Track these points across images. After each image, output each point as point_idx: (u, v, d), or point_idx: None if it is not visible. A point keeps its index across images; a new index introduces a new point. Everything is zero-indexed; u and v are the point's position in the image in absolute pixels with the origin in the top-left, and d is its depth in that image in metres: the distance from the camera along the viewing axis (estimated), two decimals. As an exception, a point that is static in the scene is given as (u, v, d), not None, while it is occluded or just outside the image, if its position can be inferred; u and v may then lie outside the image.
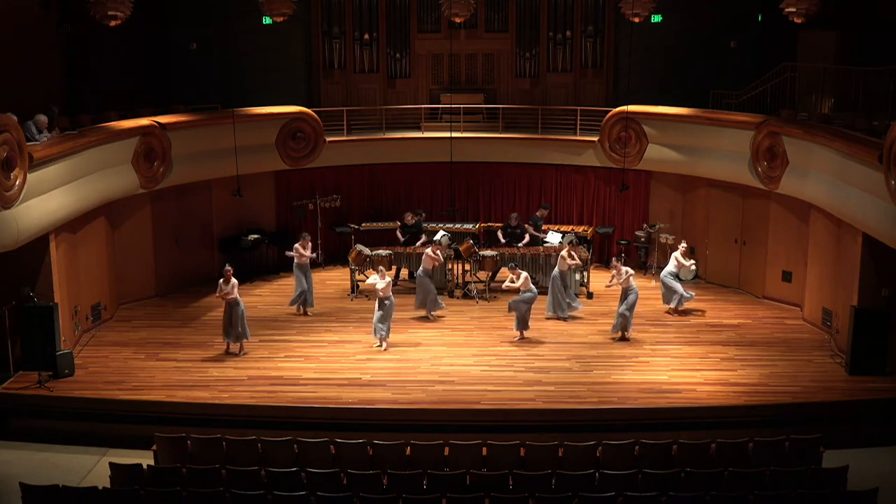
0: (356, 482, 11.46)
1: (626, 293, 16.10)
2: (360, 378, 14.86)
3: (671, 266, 17.41)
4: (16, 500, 11.32)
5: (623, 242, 19.93)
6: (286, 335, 16.58)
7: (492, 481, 11.52)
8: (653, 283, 18.59)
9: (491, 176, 20.55)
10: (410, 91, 20.81)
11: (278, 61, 20.01)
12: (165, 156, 17.29)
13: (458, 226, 19.69)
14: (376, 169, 20.49)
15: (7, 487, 12.22)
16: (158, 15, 19.07)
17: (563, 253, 17.17)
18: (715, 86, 18.81)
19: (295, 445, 12.32)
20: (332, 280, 19.56)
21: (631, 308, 16.09)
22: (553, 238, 18.86)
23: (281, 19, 16.82)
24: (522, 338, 16.23)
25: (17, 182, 13.59)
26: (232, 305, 15.44)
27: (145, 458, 12.41)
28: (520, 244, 18.84)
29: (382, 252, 18.33)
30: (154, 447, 12.69)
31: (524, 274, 16.23)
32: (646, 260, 19.61)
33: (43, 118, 14.80)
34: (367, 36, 20.53)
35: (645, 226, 19.62)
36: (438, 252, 17.32)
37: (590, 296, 18.43)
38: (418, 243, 18.80)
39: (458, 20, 17.41)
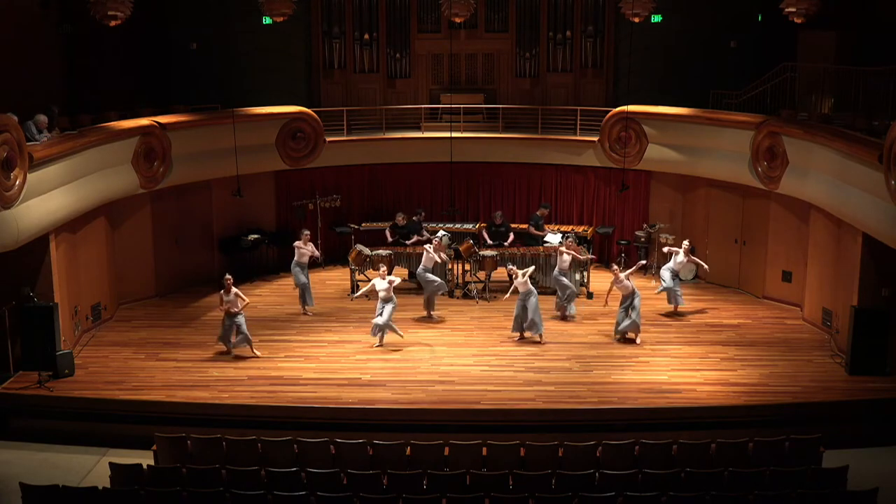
0: (356, 482, 11.46)
1: (632, 297, 16.02)
2: (360, 378, 14.86)
3: (671, 264, 17.31)
4: (16, 500, 11.32)
5: (623, 242, 19.93)
6: (286, 335, 16.58)
7: (492, 481, 11.52)
8: (653, 283, 18.59)
9: (491, 176, 20.55)
10: (410, 91, 20.81)
11: (278, 61, 20.01)
12: (165, 156, 17.29)
13: (458, 226, 19.70)
14: (376, 169, 20.50)
15: (7, 487, 12.22)
16: (158, 15, 19.07)
17: (562, 248, 17.13)
18: (715, 86, 18.81)
19: (295, 445, 12.32)
20: (332, 280, 19.56)
21: (638, 311, 16.12)
22: (553, 238, 18.86)
23: (281, 19, 16.82)
24: (521, 338, 16.21)
25: (17, 182, 13.59)
26: (232, 316, 15.41)
27: (145, 458, 12.41)
28: (505, 242, 18.85)
29: (382, 252, 18.33)
30: (154, 447, 12.69)
31: (529, 270, 16.18)
32: (646, 260, 19.59)
33: (43, 118, 14.80)
34: (367, 36, 20.53)
35: (645, 226, 19.62)
36: (442, 254, 17.27)
37: (590, 296, 18.42)
38: (409, 242, 18.78)
39: (458, 20, 17.41)
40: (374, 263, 18.27)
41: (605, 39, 20.37)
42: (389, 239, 19.02)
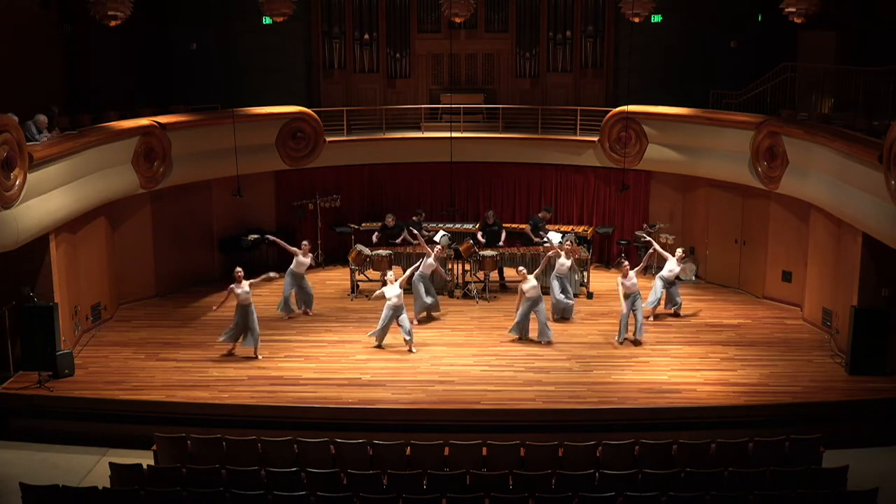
0: (356, 482, 11.46)
1: (635, 297, 15.98)
2: (360, 378, 14.86)
3: (664, 272, 17.20)
4: (16, 500, 11.32)
5: (623, 242, 19.93)
6: (286, 335, 16.58)
7: (492, 481, 11.52)
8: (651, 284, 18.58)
9: (491, 176, 20.55)
10: (410, 91, 20.81)
11: (278, 61, 20.01)
12: (165, 156, 17.28)
13: (458, 226, 19.69)
14: (376, 169, 20.50)
15: (7, 487, 12.22)
16: (158, 15, 19.08)
17: (560, 252, 17.06)
18: (715, 86, 18.81)
19: (295, 445, 12.32)
20: (332, 280, 19.56)
21: (641, 311, 16.12)
22: (554, 237, 18.84)
23: (281, 19, 16.83)
24: (520, 339, 16.17)
25: (17, 182, 13.59)
26: (246, 308, 15.39)
27: (145, 458, 12.41)
28: (499, 242, 18.84)
29: (382, 252, 18.33)
30: (154, 447, 12.69)
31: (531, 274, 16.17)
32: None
33: (43, 118, 14.80)
34: (367, 36, 20.53)
35: (645, 226, 19.62)
36: (437, 264, 17.16)
37: (590, 296, 18.43)
38: (397, 241, 18.74)
39: (458, 20, 17.41)
40: (374, 263, 18.28)
41: (605, 39, 20.37)
42: (375, 241, 18.87)
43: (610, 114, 19.24)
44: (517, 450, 12.30)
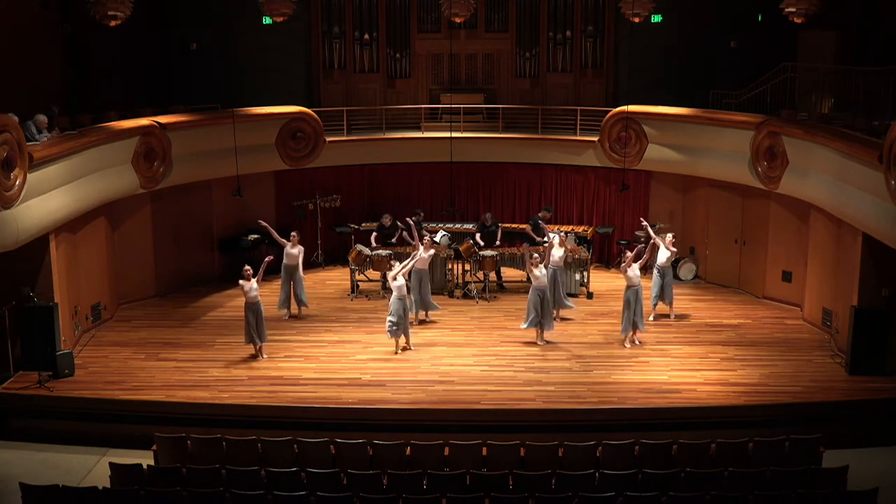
0: (356, 482, 11.46)
1: (637, 293, 15.93)
2: (360, 378, 14.86)
3: (662, 258, 17.12)
4: (16, 500, 11.32)
5: (623, 242, 19.92)
6: (286, 335, 16.57)
7: (492, 481, 11.52)
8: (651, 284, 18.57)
9: (491, 176, 20.56)
10: (410, 91, 20.81)
11: (278, 61, 20.00)
12: (165, 156, 17.28)
13: (458, 226, 19.70)
14: (376, 169, 20.50)
15: (7, 487, 12.22)
16: (158, 15, 19.06)
17: (554, 242, 16.93)
18: (715, 86, 18.81)
19: (295, 445, 12.32)
20: (332, 280, 19.57)
21: (642, 307, 16.09)
22: (554, 238, 18.84)
23: (281, 19, 16.83)
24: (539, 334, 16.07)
25: (17, 182, 13.59)
26: (255, 306, 15.38)
27: (145, 458, 12.41)
28: (496, 242, 18.83)
29: (382, 252, 18.33)
30: (154, 447, 12.69)
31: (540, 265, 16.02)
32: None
33: (43, 118, 14.80)
34: (367, 36, 20.53)
35: (645, 224, 19.58)
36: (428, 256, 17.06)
37: (590, 296, 18.43)
38: (392, 241, 18.70)
39: (458, 20, 17.42)
40: (374, 263, 18.28)
41: (605, 39, 20.37)
42: (374, 244, 18.79)
43: (610, 114, 19.24)
44: (517, 450, 12.30)
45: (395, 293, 15.55)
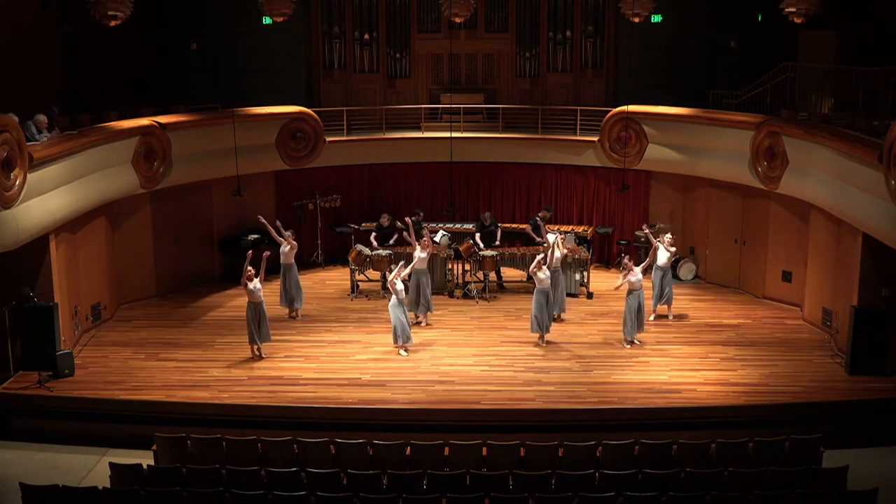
0: (356, 482, 11.46)
1: (639, 297, 15.92)
2: (360, 378, 14.86)
3: (662, 259, 17.11)
4: (16, 500, 11.32)
5: (623, 242, 19.93)
6: (286, 335, 16.57)
7: (492, 481, 11.52)
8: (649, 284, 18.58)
9: (491, 176, 20.56)
10: (410, 91, 20.80)
11: (278, 61, 20.00)
12: (165, 156, 17.29)
13: (458, 226, 19.70)
14: (376, 169, 20.50)
15: (7, 487, 12.22)
16: (158, 15, 19.07)
17: (556, 243, 16.81)
18: (715, 86, 18.81)
19: (295, 445, 12.32)
20: (332, 280, 19.57)
21: (643, 310, 16.10)
22: (553, 238, 18.82)
23: (281, 19, 16.83)
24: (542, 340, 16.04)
25: (17, 182, 13.59)
26: (258, 306, 15.36)
27: (145, 458, 12.41)
28: (495, 242, 18.83)
29: (382, 252, 18.33)
30: (154, 447, 12.69)
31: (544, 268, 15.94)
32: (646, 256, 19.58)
33: (43, 118, 14.80)
34: (367, 36, 20.53)
35: (645, 225, 19.60)
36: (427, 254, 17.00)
37: (590, 296, 18.43)
38: (391, 242, 18.67)
39: (458, 20, 17.41)
40: (374, 263, 18.28)
41: (605, 39, 20.36)
42: (374, 244, 18.73)
43: (610, 114, 19.24)
44: (517, 450, 12.30)
45: (393, 297, 15.55)
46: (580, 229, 19.79)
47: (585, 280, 18.57)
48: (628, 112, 18.64)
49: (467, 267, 18.56)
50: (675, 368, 15.20)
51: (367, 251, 18.39)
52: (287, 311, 17.39)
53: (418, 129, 20.29)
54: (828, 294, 16.42)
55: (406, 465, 12.12)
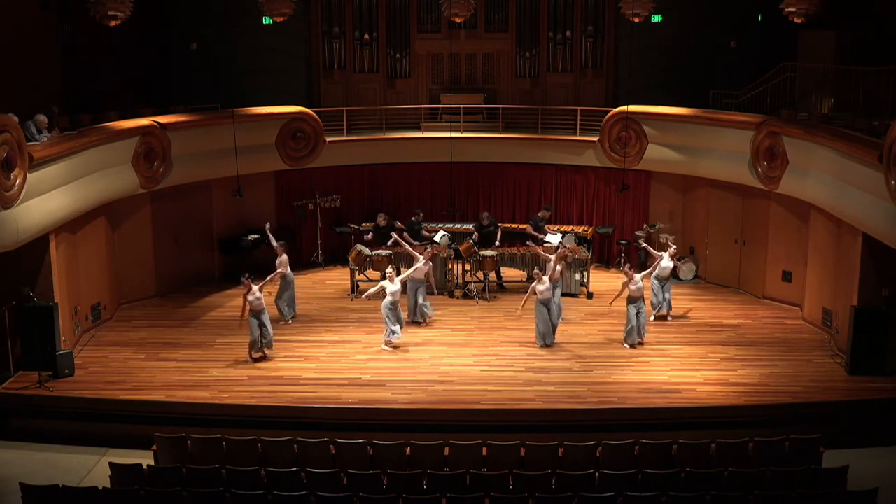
0: (356, 482, 11.46)
1: (640, 299, 15.93)
2: (360, 378, 14.87)
3: (657, 271, 17.08)
4: (16, 500, 11.33)
5: (623, 242, 19.92)
6: (286, 335, 16.57)
7: (492, 481, 11.52)
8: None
9: (491, 176, 20.55)
10: (410, 91, 20.81)
11: (278, 61, 20.00)
12: (165, 156, 17.29)
13: (458, 226, 19.69)
14: (376, 169, 20.50)
15: (7, 487, 12.22)
16: (158, 15, 19.07)
17: (551, 257, 16.58)
18: (715, 86, 18.81)
19: (295, 445, 12.32)
20: (332, 280, 19.57)
21: (644, 314, 16.11)
22: (553, 239, 18.85)
23: (281, 19, 16.83)
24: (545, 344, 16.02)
25: (17, 182, 13.59)
26: (259, 313, 15.34)
27: (145, 458, 12.41)
28: (496, 242, 18.81)
29: (382, 252, 18.33)
30: (154, 447, 12.70)
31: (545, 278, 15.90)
32: (645, 260, 19.56)
33: (43, 118, 14.80)
34: (367, 36, 20.53)
35: (645, 226, 19.62)
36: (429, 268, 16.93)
37: (590, 296, 18.43)
38: (388, 244, 18.68)
39: (458, 20, 17.42)
40: (374, 263, 18.28)
41: (605, 39, 20.36)
42: (368, 238, 18.74)
43: (610, 114, 19.24)
44: (517, 450, 12.30)
45: (387, 298, 15.58)
46: (580, 229, 19.78)
47: (585, 280, 18.57)
48: (628, 112, 18.64)
49: (467, 267, 18.56)
50: (675, 368, 15.20)
51: (367, 251, 18.39)
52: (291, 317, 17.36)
53: (418, 129, 20.29)
54: (828, 294, 16.42)
55: (406, 465, 12.12)
